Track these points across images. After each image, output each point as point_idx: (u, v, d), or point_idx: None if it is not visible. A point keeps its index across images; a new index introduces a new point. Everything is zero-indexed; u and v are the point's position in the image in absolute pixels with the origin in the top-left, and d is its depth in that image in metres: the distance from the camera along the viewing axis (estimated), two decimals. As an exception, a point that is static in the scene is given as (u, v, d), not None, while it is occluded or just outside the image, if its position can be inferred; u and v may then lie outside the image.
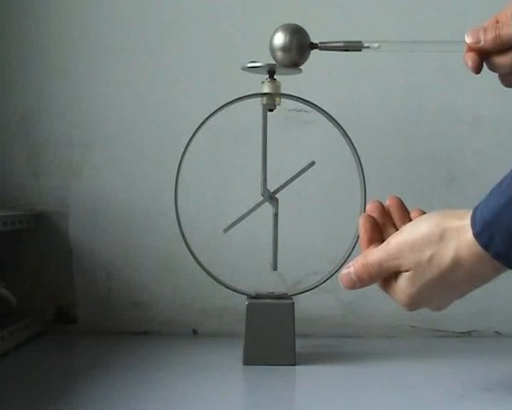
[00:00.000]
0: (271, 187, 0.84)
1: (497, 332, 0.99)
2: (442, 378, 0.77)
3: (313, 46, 0.78)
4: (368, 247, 0.67)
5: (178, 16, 0.99)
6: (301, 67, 0.83)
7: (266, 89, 0.83)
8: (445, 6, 0.99)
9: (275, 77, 0.83)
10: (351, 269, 0.66)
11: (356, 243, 0.83)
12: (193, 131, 0.82)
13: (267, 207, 0.84)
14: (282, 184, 0.85)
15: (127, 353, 0.88)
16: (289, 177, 0.85)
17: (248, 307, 0.82)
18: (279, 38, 0.77)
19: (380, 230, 0.68)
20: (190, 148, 0.82)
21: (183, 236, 0.83)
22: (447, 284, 0.62)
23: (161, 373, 0.77)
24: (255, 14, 0.99)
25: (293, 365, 0.81)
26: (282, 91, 0.83)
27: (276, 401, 0.70)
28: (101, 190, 0.99)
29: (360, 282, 0.66)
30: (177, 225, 0.82)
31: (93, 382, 0.73)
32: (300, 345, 0.83)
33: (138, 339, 0.96)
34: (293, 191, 0.90)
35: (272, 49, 0.78)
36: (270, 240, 0.84)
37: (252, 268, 0.97)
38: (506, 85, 0.73)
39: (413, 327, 0.99)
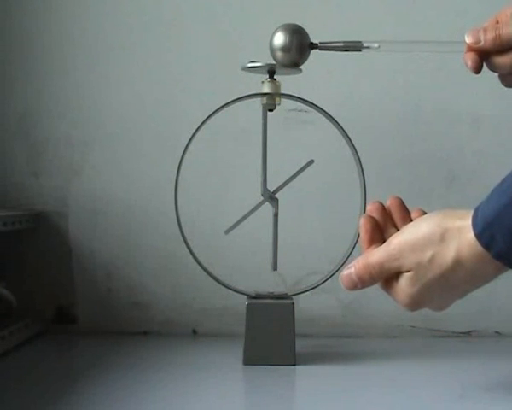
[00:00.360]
0: (271, 187, 0.84)
1: (497, 332, 0.99)
2: (442, 378, 0.77)
3: (313, 46, 0.77)
4: (369, 247, 0.67)
5: (178, 16, 0.99)
6: (301, 67, 0.83)
7: (266, 89, 0.83)
8: (444, 6, 0.99)
9: (275, 77, 0.83)
10: (352, 270, 0.66)
11: (356, 243, 0.83)
12: (193, 131, 0.82)
13: (267, 207, 0.84)
14: (281, 183, 0.85)
15: (127, 353, 0.88)
16: (289, 177, 0.85)
17: (248, 307, 0.82)
18: (279, 38, 0.77)
19: (380, 230, 0.67)
20: (190, 148, 0.82)
21: (183, 236, 0.83)
22: (448, 284, 0.62)
23: (161, 373, 0.77)
24: (255, 13, 0.99)
25: (293, 365, 0.81)
26: (282, 91, 0.83)
27: (276, 401, 0.70)
28: (101, 190, 0.99)
29: (361, 283, 0.66)
30: (176, 225, 0.82)
31: (93, 382, 0.73)
32: (300, 345, 0.83)
33: (138, 339, 0.96)
34: (293, 191, 0.90)
35: (272, 49, 0.78)
36: (270, 240, 0.84)
37: (252, 268, 0.97)
38: (506, 85, 0.73)
39: (413, 327, 0.99)
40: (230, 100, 0.82)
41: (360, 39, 0.76)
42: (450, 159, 0.99)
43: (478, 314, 0.98)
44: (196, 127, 0.82)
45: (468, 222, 0.59)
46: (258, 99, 0.83)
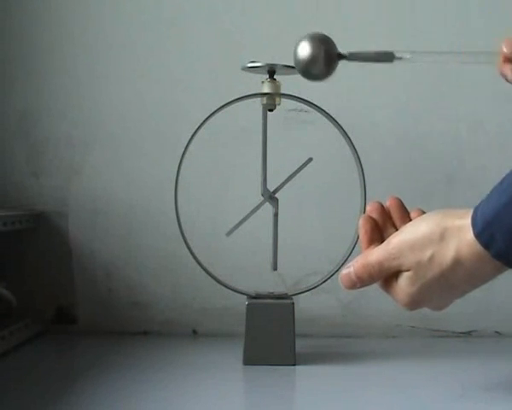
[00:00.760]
0: (271, 187, 0.84)
1: (497, 332, 0.99)
2: (442, 378, 0.77)
3: (341, 57, 0.70)
4: (368, 247, 0.67)
5: (178, 16, 0.99)
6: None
7: (266, 89, 0.83)
8: (445, 13, 0.99)
9: (275, 77, 0.83)
10: (351, 269, 0.66)
11: (356, 243, 0.83)
12: (193, 131, 0.82)
13: (267, 207, 0.84)
14: (281, 183, 0.84)
15: (127, 353, 0.88)
16: (288, 176, 0.85)
17: (248, 307, 0.82)
18: (304, 49, 0.69)
19: (380, 230, 0.68)
20: (190, 147, 0.82)
21: (183, 236, 0.83)
22: (448, 284, 0.62)
23: (161, 373, 0.77)
24: (256, 13, 0.99)
25: (293, 365, 0.81)
26: (282, 91, 0.83)
27: (276, 401, 0.70)
28: (102, 190, 0.99)
29: (360, 282, 0.66)
30: (176, 225, 0.82)
31: (93, 382, 0.73)
32: (300, 345, 0.83)
33: (138, 339, 0.96)
34: (293, 191, 0.90)
35: (297, 61, 0.70)
36: (270, 240, 0.84)
37: (252, 268, 0.97)
38: None
39: (413, 327, 0.99)
40: (230, 100, 0.82)
41: (389, 49, 0.72)
42: (451, 159, 0.99)
43: (478, 314, 0.98)
44: (196, 127, 0.82)
45: (468, 221, 0.59)
46: (258, 99, 0.83)
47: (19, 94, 1.00)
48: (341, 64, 0.98)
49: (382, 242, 0.66)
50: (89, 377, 0.75)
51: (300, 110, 0.97)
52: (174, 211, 0.82)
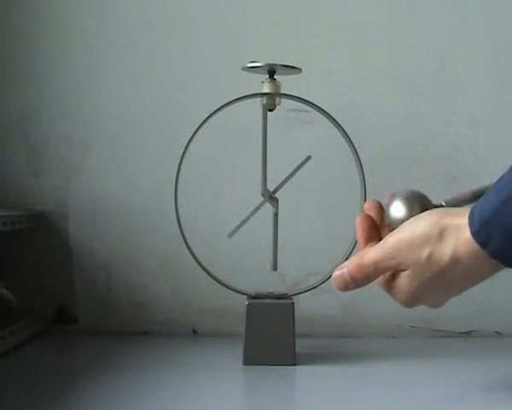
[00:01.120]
0: (271, 187, 0.84)
1: (497, 332, 0.99)
2: (442, 378, 0.77)
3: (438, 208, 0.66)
4: (365, 246, 0.67)
5: (178, 16, 0.99)
6: (301, 67, 0.83)
7: (266, 89, 0.83)
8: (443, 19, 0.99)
9: (275, 77, 0.83)
10: (344, 270, 0.66)
11: (356, 243, 0.83)
12: (193, 131, 0.82)
13: (267, 207, 0.84)
14: (280, 182, 0.84)
15: (127, 353, 0.88)
16: (288, 175, 0.85)
17: (248, 307, 0.82)
18: (399, 210, 0.66)
19: (377, 228, 0.68)
20: (190, 148, 0.82)
21: (183, 236, 0.83)
22: (445, 282, 0.62)
23: (161, 373, 0.77)
24: (256, 13, 0.99)
25: (293, 365, 0.81)
26: (282, 91, 0.83)
27: (276, 401, 0.70)
28: (102, 190, 0.99)
29: (354, 283, 0.65)
30: (176, 225, 0.82)
31: (93, 382, 0.73)
32: (300, 345, 0.83)
33: (138, 339, 0.96)
34: (293, 191, 0.90)
35: (392, 222, 0.67)
36: (270, 240, 0.84)
37: (252, 268, 0.97)
38: None
39: (413, 327, 0.99)
40: (230, 100, 0.82)
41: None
42: (451, 159, 0.99)
43: (478, 314, 0.98)
44: (196, 127, 0.82)
45: (465, 220, 0.59)
46: (258, 99, 0.83)
47: (19, 94, 1.00)
48: (341, 64, 0.99)
49: (380, 240, 0.66)
50: (89, 377, 0.75)
51: (300, 110, 0.97)
52: (174, 211, 0.82)
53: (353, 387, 0.74)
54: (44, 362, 0.85)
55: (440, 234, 0.61)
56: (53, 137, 0.99)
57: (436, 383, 0.75)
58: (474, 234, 0.58)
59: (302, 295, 0.87)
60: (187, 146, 0.82)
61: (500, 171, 0.61)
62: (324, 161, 0.97)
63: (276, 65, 0.81)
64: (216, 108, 0.82)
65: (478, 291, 0.64)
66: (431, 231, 0.61)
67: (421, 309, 0.67)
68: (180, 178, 0.82)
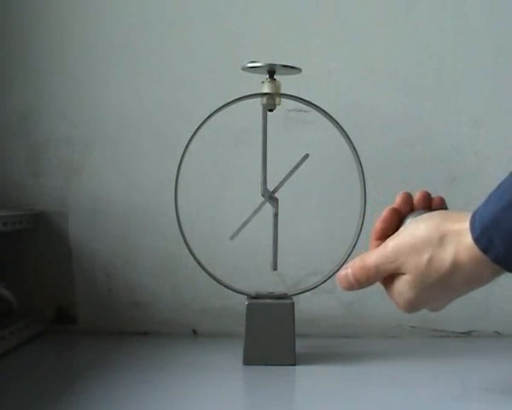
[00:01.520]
0: (271, 187, 0.84)
1: (497, 332, 0.99)
2: (442, 378, 0.77)
3: None
4: (375, 239, 0.68)
5: (178, 16, 0.99)
6: (301, 67, 0.83)
7: (266, 89, 0.83)
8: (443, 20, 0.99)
9: (275, 77, 0.83)
10: (348, 271, 0.67)
11: (356, 243, 0.83)
12: (193, 131, 0.82)
13: (267, 208, 0.84)
14: (280, 182, 0.84)
15: (127, 353, 0.88)
16: (286, 174, 0.85)
17: (248, 307, 0.82)
18: None
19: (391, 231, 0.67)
20: (190, 148, 0.82)
21: (183, 236, 0.83)
22: (445, 287, 0.62)
23: (161, 373, 0.77)
24: (256, 13, 0.99)
25: (293, 365, 0.81)
26: (282, 91, 0.83)
27: (276, 401, 0.70)
28: (102, 190, 0.99)
29: (358, 284, 0.66)
30: (176, 226, 0.82)
31: (93, 382, 0.73)
32: (300, 345, 0.83)
33: (138, 339, 0.96)
34: (293, 192, 0.90)
35: None
36: (271, 240, 0.84)
37: (252, 268, 0.97)
38: None
39: (413, 327, 0.99)
40: (230, 100, 0.82)
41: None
42: (451, 159, 0.99)
43: (478, 314, 0.98)
44: (196, 127, 0.82)
45: (466, 225, 0.59)
46: (258, 99, 0.83)
47: (19, 94, 1.00)
48: (341, 64, 0.99)
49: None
50: (89, 377, 0.75)
51: (300, 110, 0.97)
52: (174, 211, 0.82)
53: (353, 387, 0.74)
54: (44, 362, 0.85)
55: (441, 239, 0.61)
56: (53, 137, 0.99)
57: (436, 383, 0.75)
58: (476, 240, 0.58)
59: (302, 295, 0.87)
60: (187, 146, 0.82)
61: (500, 170, 0.61)
62: (324, 161, 0.97)
63: (276, 65, 0.81)
64: (216, 108, 0.82)
65: (478, 292, 0.64)
66: (432, 235, 0.61)
67: (421, 310, 0.67)
68: (180, 178, 0.82)
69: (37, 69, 0.99)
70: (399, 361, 0.85)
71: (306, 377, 0.78)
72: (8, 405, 0.67)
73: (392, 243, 0.64)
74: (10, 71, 0.99)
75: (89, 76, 0.99)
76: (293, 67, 0.82)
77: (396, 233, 0.65)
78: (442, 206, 0.69)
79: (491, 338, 0.98)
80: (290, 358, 0.81)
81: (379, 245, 0.66)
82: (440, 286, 0.62)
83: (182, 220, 0.83)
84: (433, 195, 1.00)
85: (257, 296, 0.83)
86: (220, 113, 0.82)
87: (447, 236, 0.60)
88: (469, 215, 0.60)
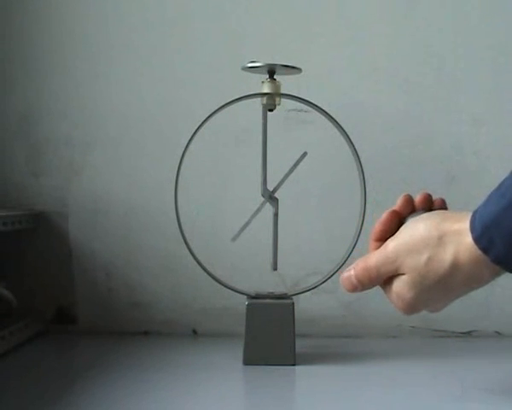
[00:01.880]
0: (272, 187, 0.84)
1: (497, 332, 0.99)
2: (442, 378, 0.77)
3: None
4: (375, 240, 0.67)
5: (178, 16, 0.99)
6: (301, 67, 0.83)
7: (266, 89, 0.83)
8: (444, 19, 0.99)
9: (275, 77, 0.83)
10: (351, 272, 0.67)
11: (356, 244, 0.83)
12: (193, 131, 0.82)
13: (267, 208, 0.84)
14: (279, 181, 0.84)
15: (127, 353, 0.88)
16: (289, 176, 0.85)
17: (248, 307, 0.82)
18: None
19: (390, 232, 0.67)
20: (190, 148, 0.82)
21: (183, 236, 0.83)
22: (445, 288, 0.62)
23: (161, 373, 0.77)
24: (256, 13, 0.99)
25: (293, 365, 0.81)
26: (282, 91, 0.83)
27: (276, 401, 0.70)
28: (102, 190, 0.99)
29: (361, 285, 0.66)
30: (176, 225, 0.82)
31: (93, 382, 0.73)
32: (300, 345, 0.83)
33: (138, 339, 0.96)
34: (294, 192, 0.90)
35: None
36: (270, 240, 0.84)
37: (252, 268, 0.97)
38: None
39: (413, 327, 0.98)
40: (230, 100, 0.82)
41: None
42: (451, 159, 0.99)
43: (478, 314, 0.98)
44: (197, 127, 0.82)
45: (466, 225, 0.59)
46: (258, 99, 0.83)
47: (19, 94, 1.00)
48: (341, 64, 0.99)
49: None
50: (89, 377, 0.75)
51: (300, 110, 0.97)
52: (174, 211, 0.82)
53: (353, 387, 0.74)
54: (44, 362, 0.85)
55: (440, 239, 0.60)
56: (53, 137, 0.99)
57: (436, 383, 0.75)
58: (476, 239, 0.58)
59: (302, 295, 0.87)
60: (187, 146, 0.82)
61: (501, 170, 0.61)
62: (324, 161, 0.97)
63: (276, 65, 0.81)
64: (216, 108, 0.82)
65: (478, 292, 0.64)
66: (431, 235, 0.61)
67: (421, 311, 0.67)
68: (180, 177, 0.82)
69: (37, 69, 0.99)
70: (399, 361, 0.85)
71: (306, 377, 0.78)
72: (8, 405, 0.67)
73: (392, 243, 0.64)
74: (10, 71, 0.99)
75: (89, 76, 0.99)
76: (293, 67, 0.82)
77: (396, 234, 0.65)
78: (443, 207, 0.69)
79: (491, 338, 0.98)
80: (290, 358, 0.81)
81: (379, 246, 0.66)
82: (440, 287, 0.61)
83: (182, 220, 0.83)
84: (434, 195, 1.00)
85: (257, 296, 0.83)
86: (220, 113, 0.82)
87: (446, 236, 0.60)
88: (469, 215, 0.60)
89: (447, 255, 0.60)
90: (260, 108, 0.84)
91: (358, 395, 0.71)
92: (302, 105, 0.85)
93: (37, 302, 0.98)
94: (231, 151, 0.99)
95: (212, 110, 0.82)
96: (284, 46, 0.98)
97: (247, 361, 0.81)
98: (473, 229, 0.58)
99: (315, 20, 0.99)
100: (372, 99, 0.99)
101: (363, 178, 0.83)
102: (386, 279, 0.65)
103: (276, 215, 0.84)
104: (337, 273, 0.83)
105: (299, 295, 0.86)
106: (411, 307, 0.64)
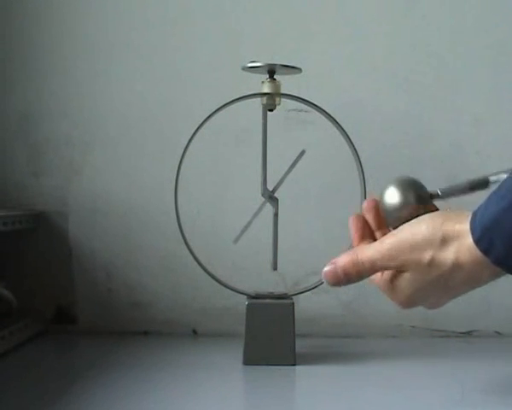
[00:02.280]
0: (272, 187, 0.84)
1: (497, 332, 0.99)
2: (442, 378, 0.77)
3: (433, 196, 0.66)
4: (359, 244, 0.67)
5: (178, 16, 0.99)
6: (301, 67, 0.83)
7: (266, 89, 0.83)
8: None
9: (275, 77, 0.83)
10: (337, 265, 0.65)
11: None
12: (193, 131, 0.82)
13: (267, 207, 0.84)
14: (278, 181, 0.84)
15: (127, 353, 0.88)
16: (289, 176, 0.85)
17: (248, 307, 0.82)
18: (393, 196, 0.66)
19: (370, 228, 0.68)
20: (190, 147, 0.82)
21: (183, 236, 0.83)
22: (445, 286, 0.62)
23: (161, 373, 0.77)
24: (256, 13, 0.99)
25: (293, 365, 0.81)
26: (282, 91, 0.83)
27: (276, 401, 0.70)
28: (102, 190, 0.99)
29: (347, 278, 0.65)
30: (176, 225, 0.82)
31: (93, 382, 0.73)
32: (300, 345, 0.83)
33: (138, 339, 0.96)
34: (293, 191, 0.90)
35: (385, 207, 0.67)
36: (270, 240, 0.84)
37: (252, 268, 0.97)
38: None
39: (413, 327, 0.98)
40: (230, 100, 0.82)
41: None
42: (451, 159, 0.99)
43: (478, 314, 0.98)
44: (197, 127, 0.82)
45: (467, 226, 0.59)
46: (259, 99, 0.83)
47: (19, 95, 1.00)
48: (341, 64, 0.99)
49: (373, 239, 0.67)
50: (89, 377, 0.75)
51: (300, 110, 0.97)
52: (174, 211, 0.82)
53: (353, 387, 0.74)
54: (44, 362, 0.85)
55: (443, 239, 0.60)
56: (53, 136, 0.99)
57: (436, 384, 0.75)
58: (476, 241, 0.58)
59: (302, 294, 0.87)
60: (187, 146, 0.82)
61: (502, 169, 0.61)
62: (324, 161, 0.97)
63: (276, 65, 0.81)
64: (216, 108, 0.82)
65: (478, 291, 0.64)
66: (433, 235, 0.61)
67: (422, 309, 0.67)
68: (180, 177, 0.82)
69: (37, 69, 0.99)
70: (399, 361, 0.85)
71: (306, 377, 0.78)
72: (8, 405, 0.67)
73: (392, 240, 0.63)
74: (10, 71, 0.99)
75: (89, 75, 0.99)
76: (293, 67, 0.82)
77: (394, 231, 0.65)
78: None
79: (491, 338, 0.98)
80: (290, 358, 0.81)
81: (366, 243, 0.67)
82: (440, 284, 0.62)
83: (182, 220, 0.83)
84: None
85: (257, 296, 0.83)
86: (220, 112, 0.82)
87: (448, 236, 0.60)
88: (470, 215, 0.60)
89: (449, 255, 0.60)
90: (260, 108, 0.83)
91: (358, 395, 0.71)
92: (302, 105, 0.85)
93: (37, 302, 0.98)
94: (231, 151, 0.99)
95: (212, 110, 0.82)
96: (284, 46, 0.98)
97: (247, 361, 0.81)
98: (473, 231, 0.58)
99: (315, 20, 0.99)
100: (372, 98, 0.99)
101: (363, 178, 0.83)
102: (385, 277, 0.65)
103: (276, 215, 0.84)
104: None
105: (299, 295, 0.86)
106: (411, 302, 0.64)
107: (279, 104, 0.83)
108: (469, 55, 0.99)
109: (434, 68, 0.99)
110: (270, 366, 0.80)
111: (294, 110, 0.97)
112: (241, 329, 0.82)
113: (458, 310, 0.80)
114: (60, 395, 0.69)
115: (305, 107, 0.86)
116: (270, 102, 0.83)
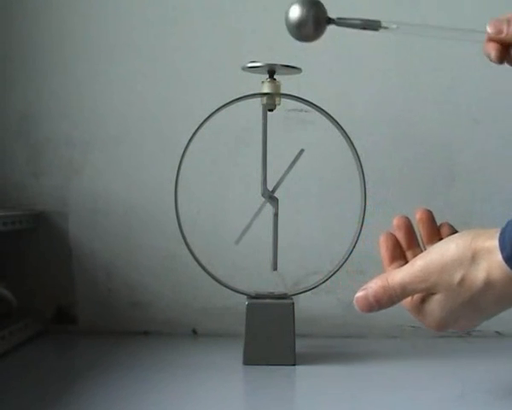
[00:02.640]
0: (272, 187, 0.84)
1: (497, 332, 0.99)
2: (443, 378, 0.77)
3: (330, 21, 0.71)
4: (390, 265, 0.66)
5: (178, 16, 0.99)
6: (301, 68, 0.83)
7: (266, 89, 0.83)
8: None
9: (275, 77, 0.83)
10: (368, 291, 0.63)
11: (356, 243, 0.83)
12: (193, 131, 0.82)
13: (267, 207, 0.84)
14: (278, 180, 0.84)
15: (127, 353, 0.88)
16: (289, 176, 0.85)
17: (248, 307, 0.82)
18: (295, 11, 0.70)
19: (401, 248, 0.67)
20: (190, 147, 0.82)
21: (183, 235, 0.83)
22: (477, 307, 0.61)
23: (161, 373, 0.77)
24: (256, 13, 0.99)
25: (293, 365, 0.81)
26: (282, 91, 0.83)
27: (276, 401, 0.70)
28: (102, 190, 0.99)
29: (378, 305, 0.63)
30: (176, 225, 0.82)
31: (93, 382, 0.73)
32: (300, 345, 0.83)
33: (138, 339, 0.96)
34: (293, 191, 0.90)
35: (287, 23, 0.71)
36: (270, 240, 0.84)
37: (252, 268, 0.97)
38: None
39: (414, 327, 0.98)
40: (230, 100, 0.82)
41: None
42: (451, 159, 0.99)
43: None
44: (197, 127, 0.82)
45: (496, 243, 0.58)
46: (259, 99, 0.83)
47: (19, 95, 1.00)
48: (341, 64, 0.99)
49: (404, 259, 0.66)
50: (89, 377, 0.75)
51: (300, 110, 0.97)
52: (174, 211, 0.82)
53: (354, 387, 0.74)
54: (44, 362, 0.85)
55: (473, 257, 0.59)
56: (53, 136, 0.99)
57: (437, 383, 0.75)
58: (507, 259, 0.57)
59: (302, 295, 0.87)
60: (187, 146, 0.82)
61: (501, 169, 0.61)
62: (324, 161, 0.97)
63: (276, 65, 0.81)
64: (216, 108, 0.82)
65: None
66: (463, 254, 0.59)
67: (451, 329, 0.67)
68: (181, 177, 0.82)
69: (37, 69, 0.99)
70: (400, 361, 0.85)
71: (306, 377, 0.78)
72: (8, 405, 0.67)
73: (421, 262, 0.62)
74: (11, 71, 0.99)
75: (89, 75, 0.99)
76: (293, 67, 0.82)
77: (423, 254, 0.63)
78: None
79: (491, 338, 0.98)
80: (290, 358, 0.81)
81: (396, 267, 0.65)
82: (472, 305, 0.60)
83: (183, 220, 0.83)
84: (435, 195, 1.00)
85: (257, 296, 0.83)
86: (220, 113, 0.82)
87: (478, 254, 0.59)
88: (499, 232, 0.58)
89: (480, 273, 0.59)
90: (260, 108, 0.83)
91: (359, 396, 0.71)
92: (302, 105, 0.85)
93: (37, 302, 0.98)
94: (231, 151, 0.99)
95: (212, 110, 0.82)
96: (284, 46, 0.98)
97: (247, 361, 0.81)
98: (502, 248, 0.57)
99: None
100: (372, 99, 0.99)
101: (363, 177, 0.83)
102: (415, 301, 0.63)
103: (276, 215, 0.84)
104: (337, 273, 0.84)
105: (299, 295, 0.86)
106: (441, 326, 0.63)
107: (279, 104, 0.83)
108: (469, 55, 0.99)
109: (434, 68, 0.99)
110: (270, 366, 0.80)
111: (294, 110, 0.97)
112: (241, 329, 0.82)
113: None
114: (60, 395, 0.69)
115: (305, 107, 0.86)
116: (270, 102, 0.83)
